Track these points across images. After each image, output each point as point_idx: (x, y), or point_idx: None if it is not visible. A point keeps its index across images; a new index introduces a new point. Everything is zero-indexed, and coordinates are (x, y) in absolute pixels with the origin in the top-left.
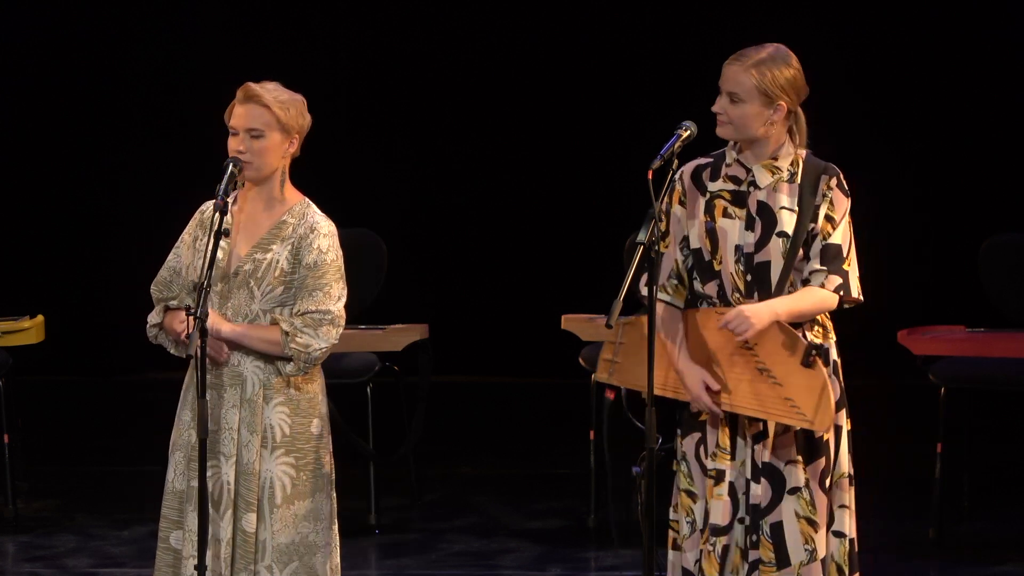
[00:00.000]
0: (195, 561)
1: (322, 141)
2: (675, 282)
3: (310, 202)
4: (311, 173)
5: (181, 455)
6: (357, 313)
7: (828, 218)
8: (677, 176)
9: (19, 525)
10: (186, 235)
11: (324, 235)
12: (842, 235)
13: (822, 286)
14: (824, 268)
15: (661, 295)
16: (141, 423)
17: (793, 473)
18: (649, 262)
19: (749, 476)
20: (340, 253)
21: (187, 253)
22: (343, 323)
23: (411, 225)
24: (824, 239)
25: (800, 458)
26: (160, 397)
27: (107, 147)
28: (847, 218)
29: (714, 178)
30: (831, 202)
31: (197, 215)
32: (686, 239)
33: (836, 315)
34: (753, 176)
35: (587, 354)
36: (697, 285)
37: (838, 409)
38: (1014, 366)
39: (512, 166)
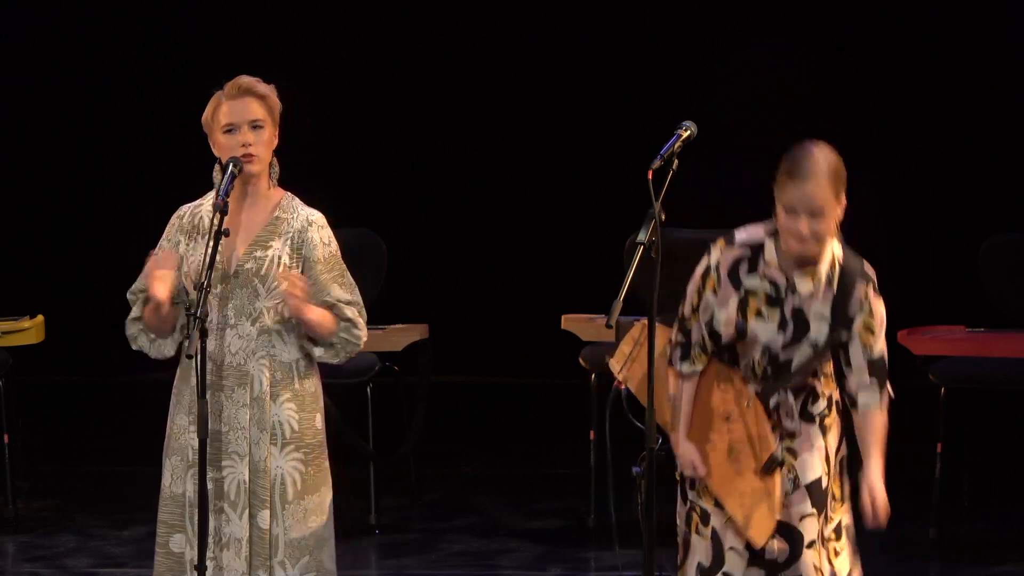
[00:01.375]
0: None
1: (322, 141)
2: (699, 351)
3: (293, 195)
4: (311, 173)
5: (179, 459)
6: None
7: (868, 328)
8: (714, 265)
9: (19, 525)
10: (164, 242)
11: (321, 227)
12: (882, 344)
13: (879, 403)
14: (875, 383)
15: (687, 366)
16: (141, 423)
17: (809, 527)
18: (649, 263)
19: None
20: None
21: None
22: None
23: (411, 225)
24: (869, 351)
25: (814, 511)
26: (160, 397)
27: (107, 147)
28: (883, 324)
29: (751, 271)
30: (870, 311)
31: (175, 220)
32: (713, 319)
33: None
34: (794, 283)
35: (587, 354)
36: None
37: (839, 439)
38: (1014, 366)
39: (512, 166)
